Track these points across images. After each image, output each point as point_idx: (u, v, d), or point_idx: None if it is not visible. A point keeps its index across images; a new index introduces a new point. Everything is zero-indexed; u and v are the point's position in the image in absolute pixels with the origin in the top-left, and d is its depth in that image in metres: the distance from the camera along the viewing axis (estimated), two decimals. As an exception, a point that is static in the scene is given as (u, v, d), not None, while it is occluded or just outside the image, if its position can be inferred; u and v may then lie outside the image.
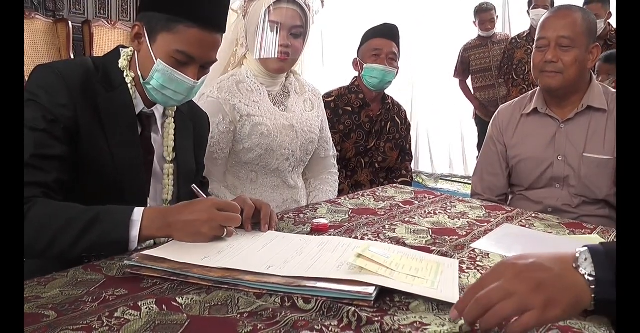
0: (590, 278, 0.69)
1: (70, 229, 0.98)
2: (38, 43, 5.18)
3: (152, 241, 1.24)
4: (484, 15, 4.45)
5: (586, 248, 0.72)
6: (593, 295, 0.68)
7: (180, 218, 1.03)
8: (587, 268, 0.70)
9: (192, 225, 1.02)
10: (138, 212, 1.01)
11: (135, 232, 1.00)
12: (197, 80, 1.20)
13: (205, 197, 1.17)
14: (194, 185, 1.23)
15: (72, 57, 5.20)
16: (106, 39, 5.47)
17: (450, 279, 0.96)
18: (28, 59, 4.98)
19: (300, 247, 1.08)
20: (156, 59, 1.16)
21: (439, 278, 0.95)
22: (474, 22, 4.53)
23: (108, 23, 5.58)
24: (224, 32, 1.22)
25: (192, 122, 1.38)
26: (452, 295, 0.88)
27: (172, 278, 0.92)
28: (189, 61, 1.17)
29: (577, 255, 0.72)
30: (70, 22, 5.25)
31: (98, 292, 0.86)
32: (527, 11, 4.15)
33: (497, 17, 4.54)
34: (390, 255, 1.01)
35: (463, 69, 4.69)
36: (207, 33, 1.15)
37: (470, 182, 5.15)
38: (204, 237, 1.04)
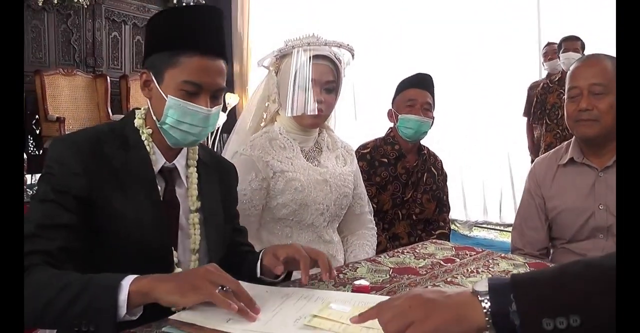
0: (486, 307, 0.73)
1: (63, 295, 0.95)
2: (78, 98, 5.35)
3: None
4: (548, 47, 4.51)
5: (486, 282, 0.75)
6: (489, 319, 0.73)
7: (175, 275, 1.00)
8: (485, 301, 0.73)
9: (182, 278, 0.97)
10: (129, 278, 0.96)
11: (123, 296, 0.94)
12: (211, 108, 1.20)
13: None
14: None
15: (110, 110, 5.36)
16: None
17: None
18: (69, 113, 5.15)
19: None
20: (167, 96, 1.17)
21: None
22: (542, 56, 4.57)
23: (145, 77, 5.76)
24: (226, 59, 1.23)
25: (217, 172, 1.36)
26: None
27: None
28: (197, 90, 1.18)
29: (477, 288, 0.76)
30: (108, 77, 5.44)
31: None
32: (557, 55, 4.15)
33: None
34: (350, 307, 1.03)
35: (530, 108, 4.66)
36: (209, 59, 1.17)
37: (505, 229, 5.08)
38: (196, 291, 0.95)
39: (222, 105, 1.25)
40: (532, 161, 4.64)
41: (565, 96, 1.75)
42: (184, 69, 1.16)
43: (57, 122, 4.83)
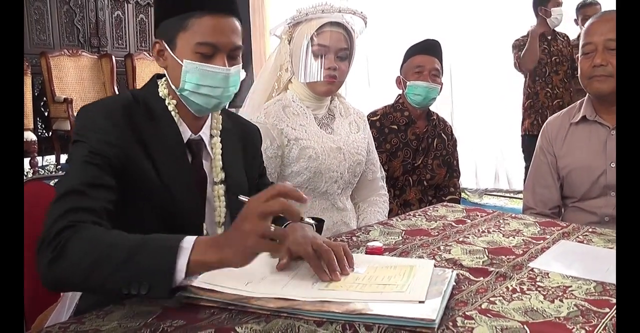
0: None
1: (113, 255, 0.87)
2: (84, 79, 5.35)
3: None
4: (590, 9, 4.06)
5: None
6: None
7: (227, 234, 0.89)
8: None
9: (237, 239, 0.86)
10: (189, 240, 0.88)
11: (183, 260, 0.86)
12: (230, 67, 1.16)
13: None
14: (240, 196, 1.01)
15: (117, 90, 5.37)
16: (148, 70, 5.64)
17: (422, 280, 0.97)
18: (76, 94, 5.15)
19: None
20: (182, 61, 1.14)
21: (409, 281, 0.97)
22: (575, 20, 4.24)
23: (149, 55, 5.75)
24: (238, 16, 1.17)
25: (241, 138, 1.34)
26: (419, 295, 0.90)
27: (229, 307, 0.91)
28: (213, 51, 1.14)
29: None
30: (113, 57, 5.43)
31: (156, 324, 0.85)
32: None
33: None
34: (365, 268, 1.04)
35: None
36: (220, 17, 1.13)
37: (515, 196, 5.07)
38: (251, 251, 0.86)
39: (241, 65, 1.20)
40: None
41: (580, 53, 1.74)
42: (195, 31, 1.12)
43: (64, 103, 4.84)
